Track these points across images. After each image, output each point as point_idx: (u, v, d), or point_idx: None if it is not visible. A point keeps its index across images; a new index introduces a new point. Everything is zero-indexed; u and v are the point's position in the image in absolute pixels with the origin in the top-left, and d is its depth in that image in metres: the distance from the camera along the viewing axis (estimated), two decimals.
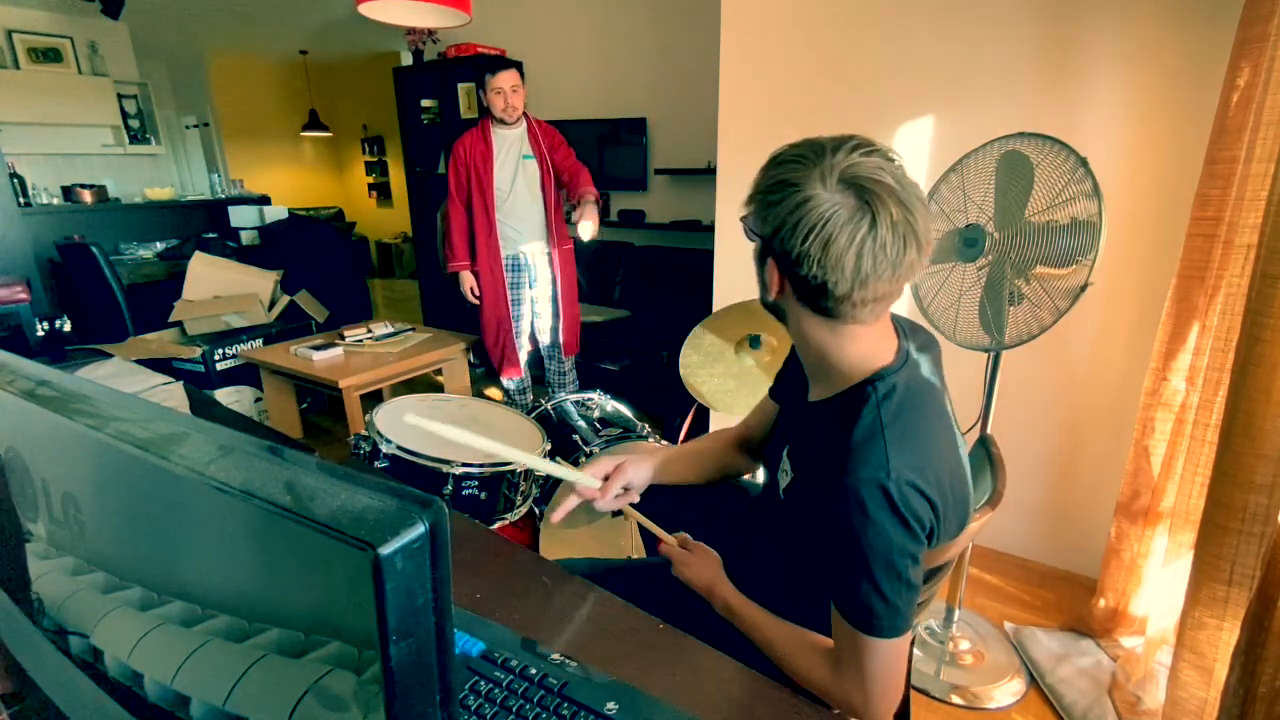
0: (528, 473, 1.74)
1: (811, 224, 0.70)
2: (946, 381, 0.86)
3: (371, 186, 8.46)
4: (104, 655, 0.50)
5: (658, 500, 1.11)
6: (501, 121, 2.60)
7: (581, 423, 2.00)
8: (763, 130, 2.35)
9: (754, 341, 1.84)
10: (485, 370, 3.70)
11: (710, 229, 2.97)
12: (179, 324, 3.18)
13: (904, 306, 1.99)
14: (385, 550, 0.28)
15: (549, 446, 1.76)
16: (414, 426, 1.70)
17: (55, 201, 4.78)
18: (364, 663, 0.32)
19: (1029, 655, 1.75)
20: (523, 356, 2.90)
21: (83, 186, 4.81)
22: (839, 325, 0.77)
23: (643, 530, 1.10)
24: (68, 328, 3.03)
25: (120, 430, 0.39)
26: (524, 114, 2.65)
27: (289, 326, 3.34)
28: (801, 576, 0.88)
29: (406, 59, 4.94)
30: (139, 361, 2.00)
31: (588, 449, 1.86)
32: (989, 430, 1.66)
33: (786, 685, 0.72)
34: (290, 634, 0.35)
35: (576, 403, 2.11)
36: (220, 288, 3.41)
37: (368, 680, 0.32)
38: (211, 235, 4.93)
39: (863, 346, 0.78)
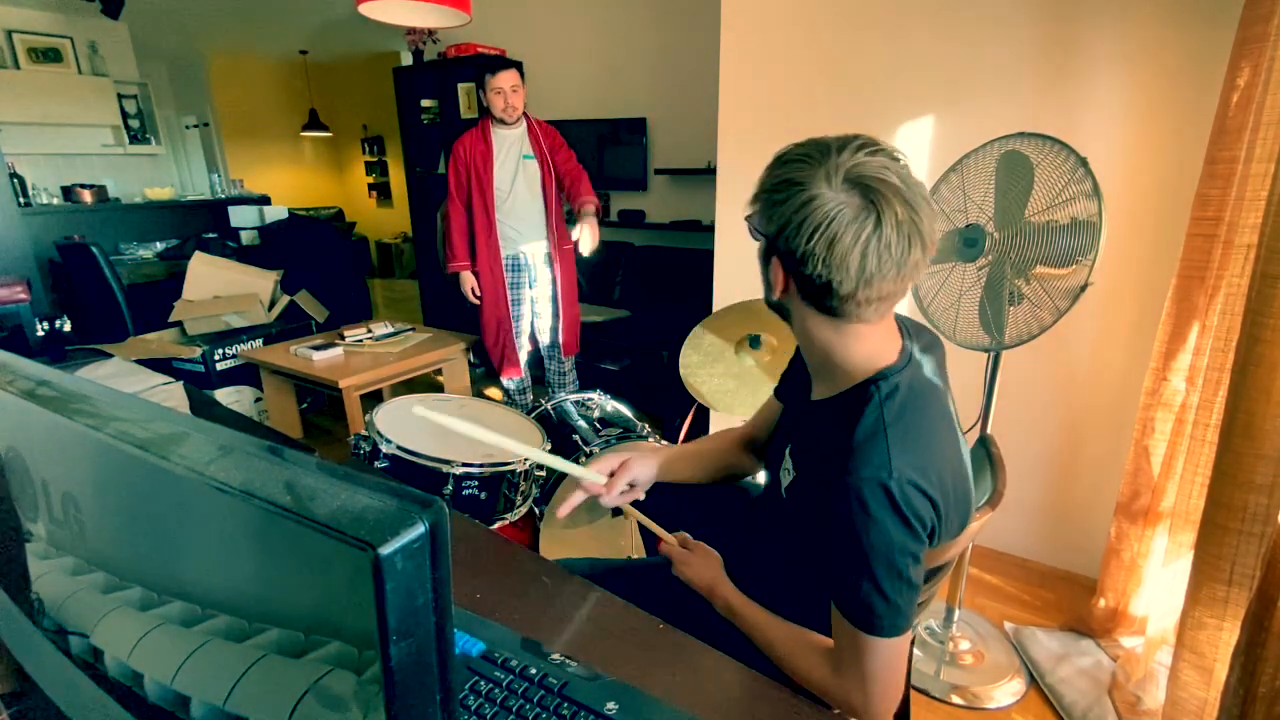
0: (527, 473, 1.74)
1: (816, 223, 0.70)
2: (949, 382, 0.86)
3: (371, 186, 8.46)
4: (104, 655, 0.50)
5: (658, 500, 1.11)
6: (501, 121, 2.60)
7: (581, 423, 2.00)
8: (763, 130, 2.35)
9: (754, 341, 1.84)
10: (485, 370, 3.70)
11: (710, 229, 2.97)
12: (179, 324, 3.18)
13: (904, 306, 1.98)
14: (385, 550, 0.28)
15: (549, 447, 1.76)
16: (424, 419, 1.71)
17: (55, 201, 4.78)
18: (364, 663, 0.32)
19: (1029, 655, 1.75)
20: (523, 356, 2.90)
21: (83, 186, 4.81)
22: (843, 324, 0.77)
23: (643, 530, 1.10)
24: (68, 328, 3.03)
25: (120, 430, 0.39)
26: (524, 114, 2.66)
27: (289, 326, 3.34)
28: (803, 576, 0.88)
29: (406, 59, 4.94)
30: (139, 361, 2.00)
31: (588, 449, 1.86)
32: (989, 430, 1.66)
33: (786, 685, 0.72)
34: (290, 634, 0.35)
35: (576, 403, 2.11)
36: (220, 288, 3.41)
37: (368, 680, 0.32)
38: (211, 235, 4.93)
39: (867, 346, 0.78)
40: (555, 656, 0.70)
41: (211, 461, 0.35)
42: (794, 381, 0.98)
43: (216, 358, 2.98)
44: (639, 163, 4.03)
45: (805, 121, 2.24)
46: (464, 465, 1.59)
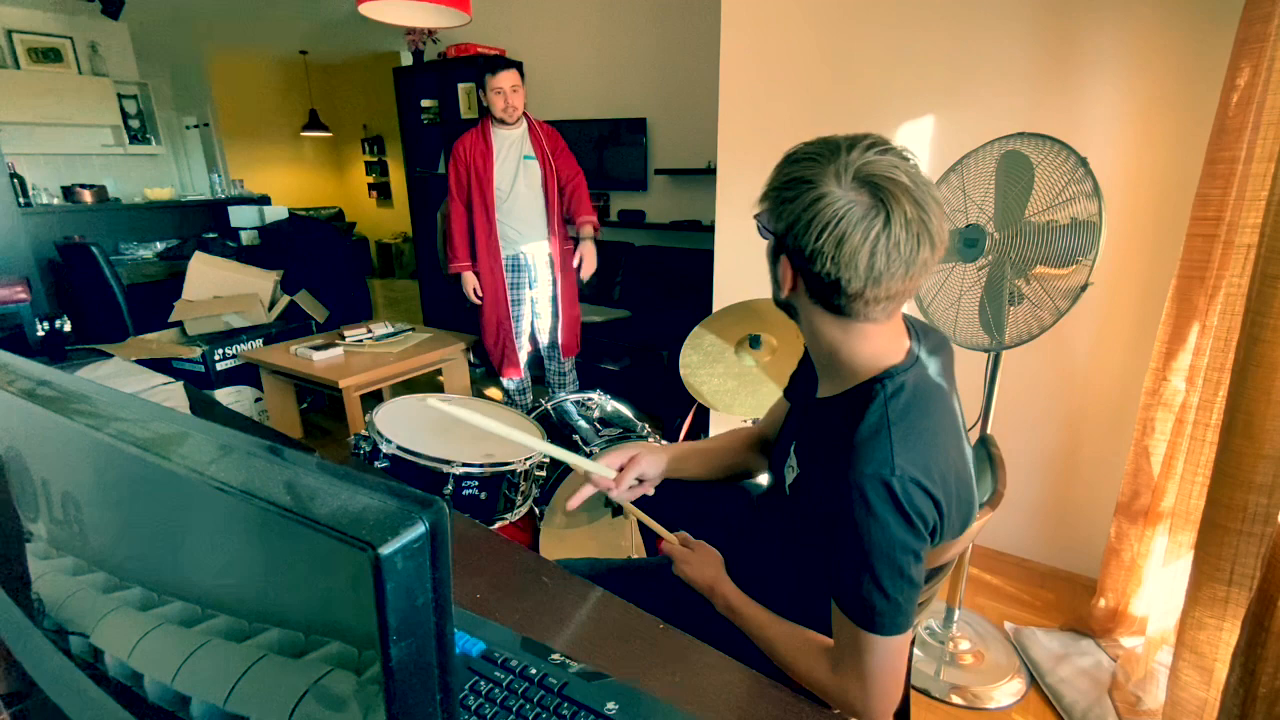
0: (528, 473, 1.74)
1: (825, 221, 0.70)
2: (956, 384, 0.87)
3: (371, 186, 8.46)
4: (104, 655, 0.50)
5: (658, 499, 1.11)
6: (502, 122, 2.60)
7: (582, 423, 2.00)
8: (763, 130, 2.35)
9: (754, 341, 1.84)
10: (485, 370, 3.70)
11: (710, 229, 2.98)
12: (179, 324, 3.18)
13: (904, 306, 1.99)
14: (385, 550, 0.28)
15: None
16: (438, 411, 1.71)
17: (55, 201, 4.78)
18: (364, 663, 0.32)
19: (1029, 655, 1.75)
20: (522, 357, 2.90)
21: (83, 186, 4.81)
22: (851, 323, 0.77)
23: (643, 529, 1.10)
24: (68, 328, 3.03)
25: (120, 430, 0.39)
26: (524, 114, 2.66)
27: (289, 326, 3.34)
28: (805, 575, 0.88)
29: (406, 59, 4.94)
30: (139, 361, 2.00)
31: (588, 449, 1.86)
32: (989, 430, 1.66)
33: (787, 685, 0.72)
34: (290, 634, 0.35)
35: (576, 403, 2.11)
36: (220, 288, 3.41)
37: (368, 680, 0.32)
38: (211, 235, 4.93)
39: (873, 345, 0.78)
40: (555, 656, 0.70)
41: (211, 461, 0.35)
42: (802, 380, 0.98)
43: (216, 358, 2.98)
44: (639, 163, 4.03)
45: (805, 122, 2.25)
46: (464, 465, 1.59)
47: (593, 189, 4.21)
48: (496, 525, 1.70)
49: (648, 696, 0.65)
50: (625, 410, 2.13)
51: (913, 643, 1.34)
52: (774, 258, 0.80)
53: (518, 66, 2.58)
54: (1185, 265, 1.53)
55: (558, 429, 1.97)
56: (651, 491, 1.09)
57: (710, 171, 3.56)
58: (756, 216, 0.80)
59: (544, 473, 1.90)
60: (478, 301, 2.79)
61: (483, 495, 1.65)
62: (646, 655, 0.74)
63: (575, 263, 2.76)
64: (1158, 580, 1.65)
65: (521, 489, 1.75)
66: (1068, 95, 1.82)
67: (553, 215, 2.74)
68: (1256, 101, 1.32)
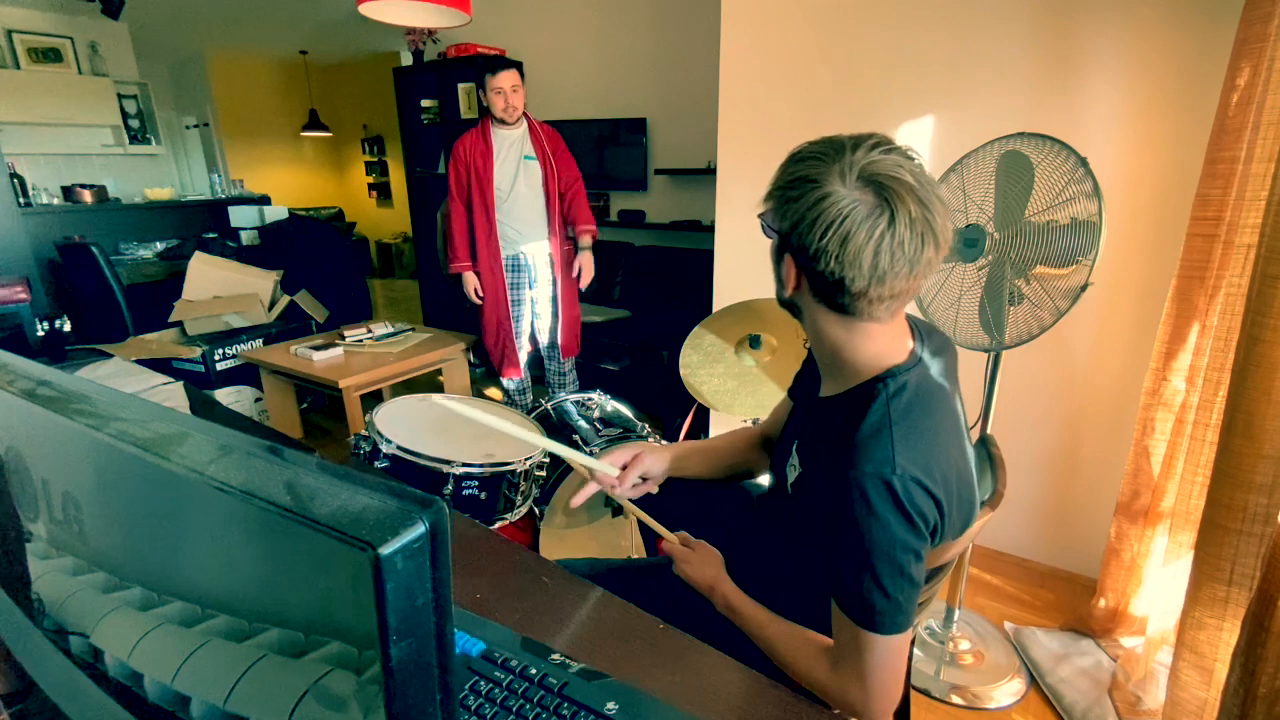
0: (528, 473, 1.74)
1: (830, 220, 0.70)
2: (959, 385, 0.87)
3: (371, 186, 8.46)
4: (104, 655, 0.50)
5: (659, 499, 1.11)
6: (502, 122, 2.60)
7: (582, 423, 2.00)
8: (763, 130, 2.35)
9: (754, 341, 1.84)
10: (485, 370, 3.70)
11: (710, 229, 2.97)
12: (179, 324, 3.18)
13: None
14: (385, 550, 0.28)
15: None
16: (443, 408, 1.71)
17: (55, 201, 4.78)
18: (364, 663, 0.32)
19: (1029, 655, 1.75)
20: (522, 357, 2.90)
21: (83, 186, 4.81)
22: (854, 322, 0.77)
23: (643, 529, 1.10)
24: (68, 328, 3.03)
25: (120, 430, 0.39)
26: (525, 114, 2.66)
27: (289, 326, 3.34)
28: (805, 574, 0.88)
29: (406, 59, 4.94)
30: (139, 361, 2.00)
31: (588, 449, 1.86)
32: (989, 430, 1.66)
33: (787, 685, 0.72)
34: (290, 634, 0.35)
35: (576, 403, 2.11)
36: (220, 288, 3.41)
37: (368, 680, 0.32)
38: (211, 235, 4.93)
39: (877, 344, 0.78)
40: (555, 656, 0.70)
41: (211, 461, 0.35)
42: (806, 379, 0.99)
43: (216, 358, 2.98)
44: (639, 163, 4.03)
45: (805, 122, 2.25)
46: (464, 465, 1.59)
47: (592, 189, 4.22)
48: (496, 525, 1.70)
49: (648, 696, 0.65)
50: (625, 410, 2.13)
51: (913, 643, 1.34)
52: (778, 257, 0.80)
53: (518, 66, 2.58)
54: (1185, 265, 1.53)
55: (558, 429, 1.97)
56: (655, 490, 1.09)
57: (710, 171, 3.56)
58: (761, 215, 0.80)
59: (544, 473, 1.90)
60: (478, 301, 2.79)
61: (483, 495, 1.65)
62: (646, 655, 0.74)
63: (575, 272, 2.81)
64: (1158, 580, 1.65)
65: (521, 489, 1.75)
66: (1068, 95, 1.82)
67: (553, 215, 2.74)
68: (1256, 101, 1.32)
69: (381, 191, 8.42)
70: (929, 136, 2.04)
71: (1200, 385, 1.47)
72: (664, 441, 1.98)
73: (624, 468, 1.06)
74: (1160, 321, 1.60)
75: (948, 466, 0.75)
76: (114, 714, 0.50)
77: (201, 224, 5.18)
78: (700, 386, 1.81)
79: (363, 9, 2.26)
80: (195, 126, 6.49)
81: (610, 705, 0.63)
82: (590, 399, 2.14)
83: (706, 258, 2.77)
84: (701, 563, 0.97)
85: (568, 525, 1.96)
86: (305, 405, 3.43)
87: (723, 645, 0.76)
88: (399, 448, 1.58)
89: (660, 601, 0.86)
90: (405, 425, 1.70)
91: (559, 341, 2.90)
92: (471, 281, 2.75)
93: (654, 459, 1.07)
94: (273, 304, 3.48)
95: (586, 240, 2.78)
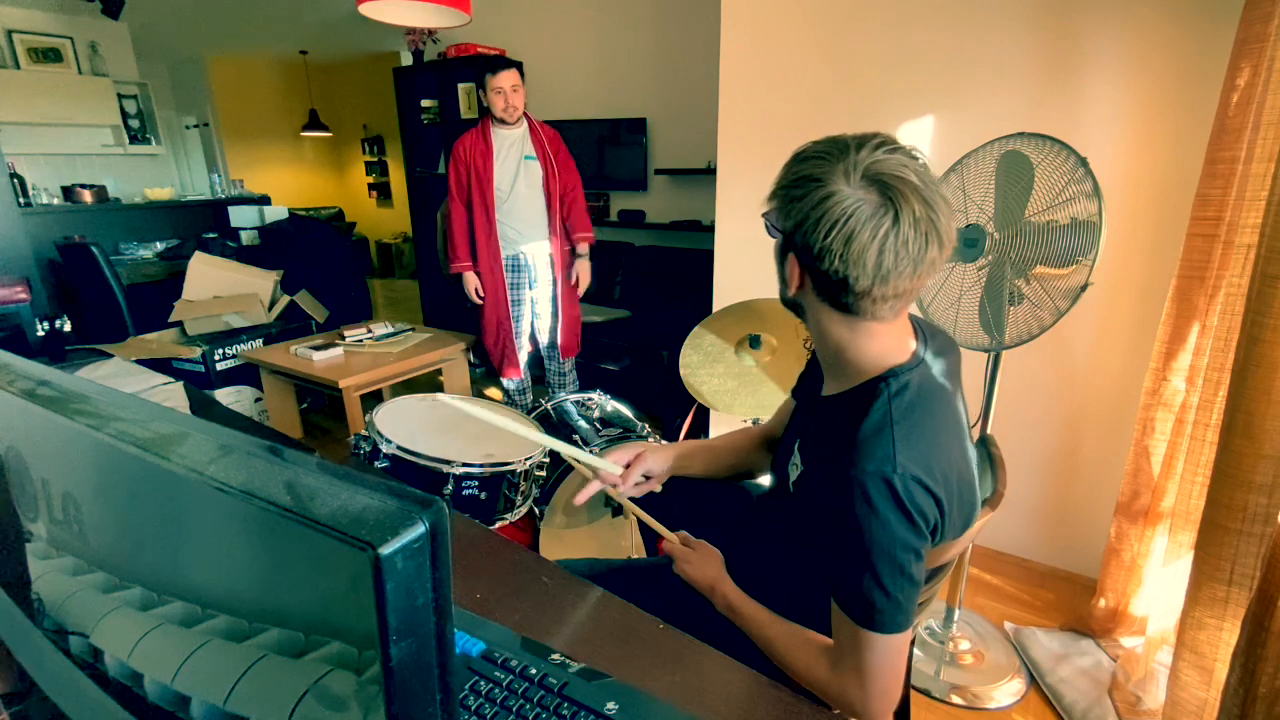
0: (528, 473, 1.74)
1: (834, 219, 0.70)
2: (962, 387, 0.87)
3: (371, 186, 8.46)
4: (104, 655, 0.50)
5: (659, 498, 1.11)
6: (502, 122, 2.60)
7: (582, 423, 2.00)
8: (763, 130, 2.35)
9: (754, 341, 1.84)
10: (485, 370, 3.70)
11: (710, 229, 2.98)
12: (179, 324, 3.18)
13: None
14: (385, 550, 0.28)
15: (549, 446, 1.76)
16: (447, 407, 1.71)
17: (55, 201, 4.78)
18: (364, 663, 0.32)
19: (1029, 655, 1.75)
20: (522, 357, 2.90)
21: (83, 186, 4.81)
22: (858, 322, 0.77)
23: (643, 529, 1.10)
24: (68, 328, 3.03)
25: (120, 430, 0.39)
26: (525, 114, 2.66)
27: (289, 326, 3.34)
28: (805, 574, 0.88)
29: (406, 59, 4.94)
30: (139, 361, 2.00)
31: (589, 449, 1.86)
32: (989, 430, 1.66)
33: (787, 685, 0.72)
34: (290, 634, 0.35)
35: (577, 403, 2.11)
36: (220, 288, 3.41)
37: (368, 680, 0.32)
38: (211, 235, 4.92)
39: (880, 344, 0.78)
40: (555, 656, 0.70)
41: (211, 461, 0.35)
42: (809, 379, 0.99)
43: (216, 358, 2.98)
44: (639, 163, 4.03)
45: (806, 122, 2.25)
46: (464, 465, 1.59)
47: (592, 189, 4.23)
48: (496, 525, 1.70)
49: (648, 696, 0.65)
50: (625, 410, 2.13)
51: (913, 643, 1.34)
52: (781, 256, 0.80)
53: (518, 66, 2.58)
54: (1185, 265, 1.53)
55: (558, 429, 1.97)
56: (659, 488, 1.09)
57: (710, 171, 3.56)
58: (765, 215, 0.80)
59: (544, 473, 1.90)
60: (479, 301, 2.79)
61: (483, 495, 1.65)
62: (646, 655, 0.74)
63: (572, 280, 2.85)
64: (1158, 580, 1.65)
65: (521, 489, 1.75)
66: (1068, 95, 1.82)
67: (553, 215, 2.74)
68: (1256, 101, 1.32)
69: (381, 191, 8.42)
70: (929, 136, 2.04)
71: (1200, 385, 1.47)
72: (664, 441, 1.98)
73: (627, 466, 1.06)
74: (1160, 321, 1.60)
75: (948, 466, 0.76)
76: (114, 714, 0.50)
77: (201, 224, 5.18)
78: (700, 386, 1.81)
79: (363, 9, 2.26)
80: (195, 126, 6.49)
81: (610, 705, 0.63)
82: (590, 399, 2.14)
83: (706, 258, 2.77)
84: (702, 562, 0.97)
85: (568, 525, 1.96)
86: (305, 405, 3.43)
87: (723, 645, 0.76)
88: (399, 448, 1.58)
89: (660, 601, 0.86)
90: (405, 425, 1.70)
91: (559, 341, 2.90)
92: (472, 281, 2.75)
93: (657, 458, 1.07)
94: (273, 304, 3.48)
95: (584, 248, 2.82)
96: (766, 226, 0.80)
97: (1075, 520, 2.06)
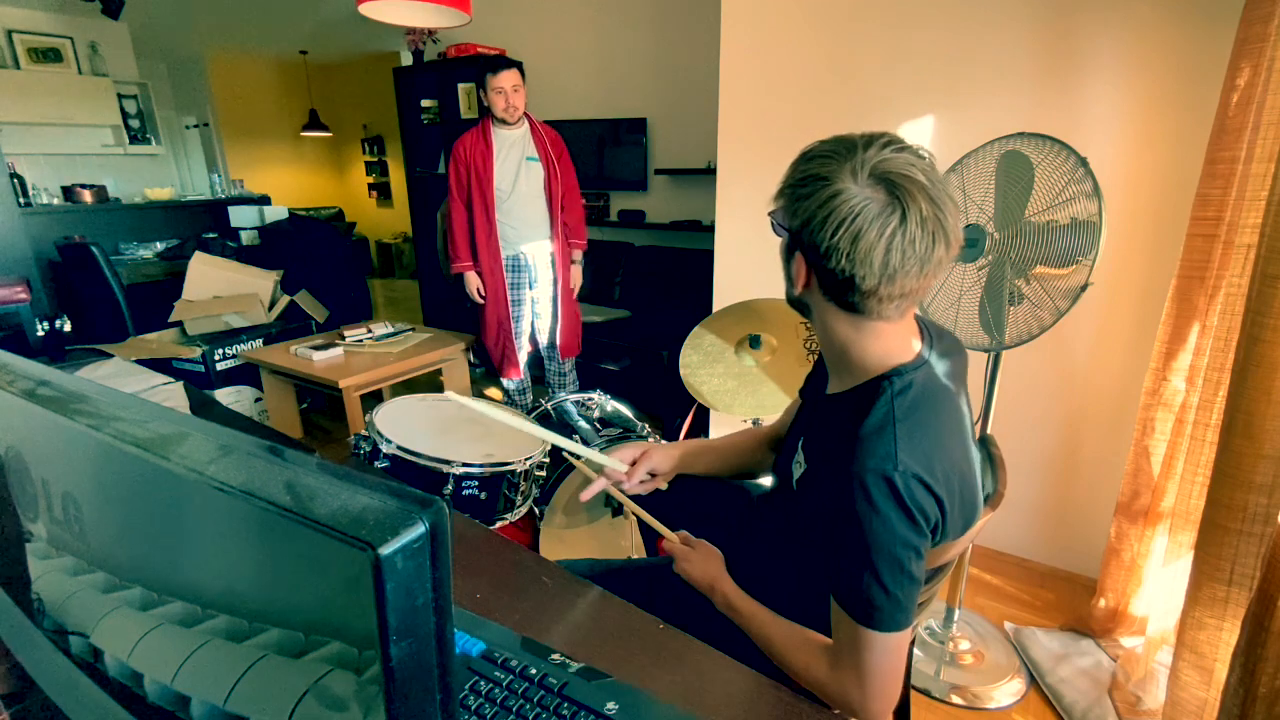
0: (528, 473, 1.74)
1: (842, 217, 0.70)
2: (967, 388, 0.87)
3: (371, 186, 8.46)
4: (104, 655, 0.50)
5: (658, 498, 1.11)
6: (503, 122, 2.59)
7: (582, 423, 2.00)
8: (763, 130, 2.35)
9: (754, 341, 1.84)
10: (485, 370, 3.70)
11: (710, 229, 2.98)
12: (179, 324, 3.18)
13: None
14: (385, 550, 0.28)
15: (549, 446, 1.76)
16: (455, 405, 1.71)
17: (55, 201, 4.78)
18: (364, 663, 0.32)
19: (1029, 655, 1.75)
20: (522, 357, 2.90)
21: (83, 186, 4.81)
22: (863, 321, 0.77)
23: (643, 528, 1.10)
24: (68, 328, 3.03)
25: (120, 430, 0.39)
26: (526, 115, 2.66)
27: (289, 326, 3.34)
28: (806, 574, 0.88)
29: (406, 59, 4.94)
30: (139, 361, 2.00)
31: (591, 449, 1.86)
32: (989, 430, 1.66)
33: (787, 685, 0.72)
34: (290, 634, 0.35)
35: (577, 403, 2.11)
36: (220, 288, 3.41)
37: (368, 680, 0.32)
38: (211, 235, 4.93)
39: (884, 343, 0.79)
40: (555, 656, 0.70)
41: (211, 461, 0.35)
42: (816, 378, 0.99)
43: (216, 358, 2.98)
44: (639, 163, 4.03)
45: (806, 122, 2.25)
46: (464, 465, 1.59)
47: (592, 189, 4.23)
48: (496, 525, 1.70)
49: (648, 696, 0.65)
50: (625, 410, 2.13)
51: (913, 643, 1.34)
52: (788, 254, 0.80)
53: (519, 66, 2.58)
54: (1185, 265, 1.53)
55: (558, 429, 1.97)
56: (665, 486, 1.09)
57: (710, 171, 3.56)
58: (771, 213, 0.80)
59: (544, 473, 1.90)
60: (481, 301, 2.79)
61: (483, 495, 1.65)
62: (646, 655, 0.74)
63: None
64: (1158, 580, 1.65)
65: (521, 489, 1.75)
66: (1068, 95, 1.82)
67: (555, 216, 2.74)
68: (1256, 101, 1.32)
69: (381, 191, 8.42)
70: (929, 136, 2.04)
71: (1200, 385, 1.47)
72: (664, 441, 1.98)
73: (632, 464, 1.06)
74: (1160, 321, 1.60)
75: (950, 466, 0.76)
76: (114, 714, 0.50)
77: (201, 224, 5.18)
78: (700, 386, 1.81)
79: (363, 9, 2.26)
80: (195, 126, 6.49)
81: (610, 705, 0.63)
82: (590, 399, 2.14)
83: (706, 258, 2.77)
84: (702, 561, 0.97)
85: (568, 525, 1.96)
86: (305, 405, 3.43)
87: (723, 645, 0.76)
88: (399, 448, 1.58)
89: (660, 601, 0.86)
90: (405, 425, 1.70)
91: (559, 342, 2.90)
92: (474, 281, 2.75)
93: (662, 456, 1.08)
94: (273, 304, 3.48)
95: (577, 254, 2.87)
96: (773, 225, 0.80)
97: (1075, 520, 2.06)
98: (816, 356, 1.00)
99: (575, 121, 4.12)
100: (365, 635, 0.30)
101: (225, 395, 3.00)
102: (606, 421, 2.03)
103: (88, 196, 4.79)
